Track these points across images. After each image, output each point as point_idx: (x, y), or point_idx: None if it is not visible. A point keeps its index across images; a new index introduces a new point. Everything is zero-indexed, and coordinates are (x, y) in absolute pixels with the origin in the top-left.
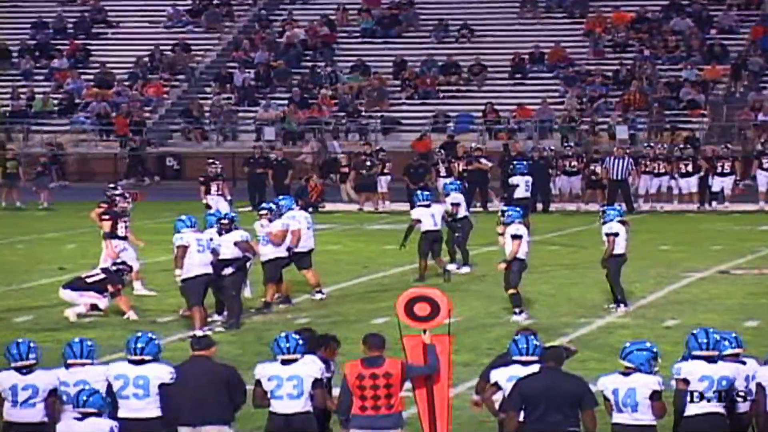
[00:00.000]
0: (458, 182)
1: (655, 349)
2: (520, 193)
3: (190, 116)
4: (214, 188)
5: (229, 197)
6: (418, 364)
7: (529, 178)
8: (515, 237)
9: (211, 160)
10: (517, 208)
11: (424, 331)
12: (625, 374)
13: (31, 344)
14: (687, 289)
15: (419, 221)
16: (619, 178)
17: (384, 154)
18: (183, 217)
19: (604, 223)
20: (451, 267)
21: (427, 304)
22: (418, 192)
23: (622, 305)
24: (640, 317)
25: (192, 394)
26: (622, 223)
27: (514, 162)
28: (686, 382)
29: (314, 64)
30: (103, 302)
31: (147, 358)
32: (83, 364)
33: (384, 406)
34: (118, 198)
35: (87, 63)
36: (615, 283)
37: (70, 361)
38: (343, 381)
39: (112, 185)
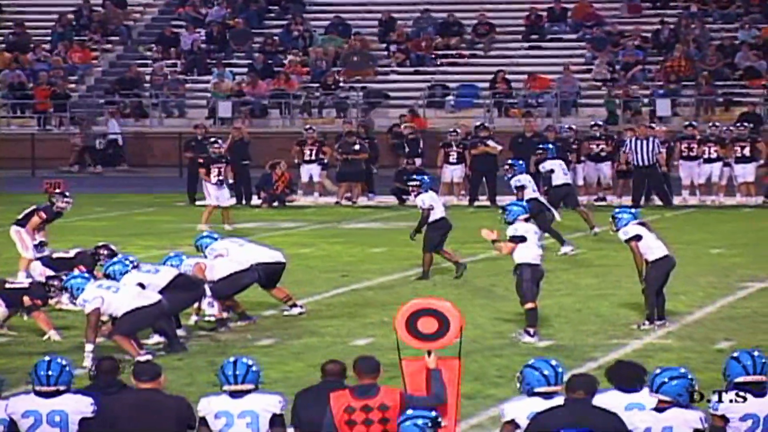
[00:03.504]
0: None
1: (690, 375)
2: (559, 178)
3: (125, 87)
4: (214, 172)
5: (230, 181)
6: (420, 394)
7: (562, 161)
8: (516, 239)
9: (213, 139)
10: (523, 203)
11: (429, 353)
12: (660, 410)
13: None
14: (744, 303)
15: (432, 208)
16: (646, 163)
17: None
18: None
19: (618, 230)
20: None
21: (434, 318)
22: (423, 176)
23: (647, 322)
24: (686, 338)
25: None
26: (642, 224)
27: (541, 145)
28: (725, 419)
29: (280, 22)
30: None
31: (61, 388)
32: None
33: None
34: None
35: None
36: (649, 294)
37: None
38: (327, 415)
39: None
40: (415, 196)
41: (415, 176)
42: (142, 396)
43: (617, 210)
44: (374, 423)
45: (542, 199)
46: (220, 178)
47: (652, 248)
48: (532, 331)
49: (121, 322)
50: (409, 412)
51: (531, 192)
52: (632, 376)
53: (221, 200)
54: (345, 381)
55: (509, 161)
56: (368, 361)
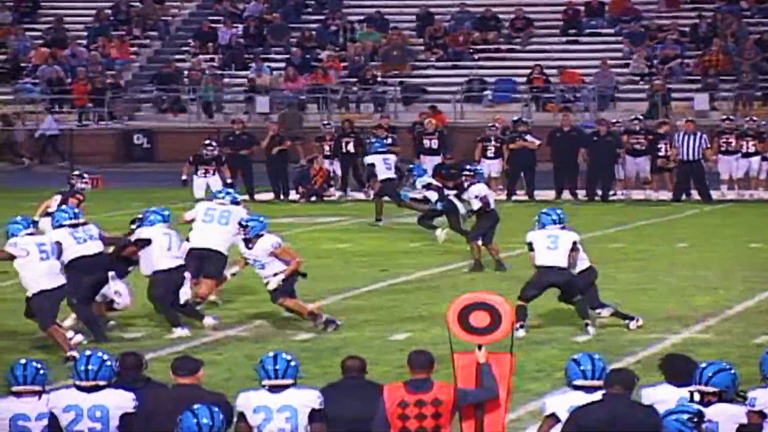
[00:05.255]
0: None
1: (734, 370)
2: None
3: (163, 83)
4: (201, 171)
5: (229, 180)
6: (470, 387)
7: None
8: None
9: (207, 141)
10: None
11: (479, 347)
12: (705, 404)
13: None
14: None
15: (487, 197)
16: (692, 158)
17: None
18: (18, 218)
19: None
20: None
21: (486, 312)
22: (475, 167)
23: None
24: (725, 333)
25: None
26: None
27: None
28: (762, 415)
29: (317, 17)
30: None
31: (101, 383)
32: (34, 393)
33: None
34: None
35: (35, 17)
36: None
37: (16, 389)
38: (380, 409)
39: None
40: (469, 185)
41: (469, 167)
42: (182, 392)
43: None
44: (427, 418)
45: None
46: (206, 177)
47: (540, 254)
48: (588, 322)
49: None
50: (672, 406)
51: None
52: (684, 370)
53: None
54: (366, 376)
55: (408, 167)
56: (422, 355)
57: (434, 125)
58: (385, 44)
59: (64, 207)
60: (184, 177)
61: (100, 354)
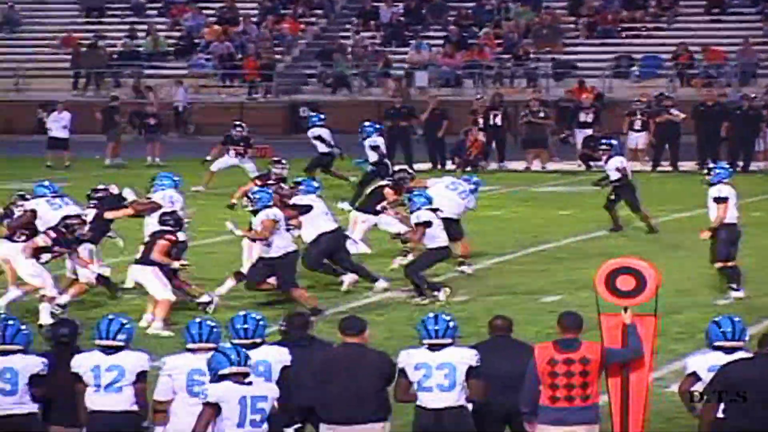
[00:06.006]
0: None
1: None
2: None
3: (328, 58)
4: (231, 152)
5: (250, 163)
6: (617, 347)
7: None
8: (719, 200)
9: (237, 123)
10: (727, 165)
11: (625, 309)
12: None
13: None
14: None
15: (625, 169)
16: None
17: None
18: (45, 182)
19: (412, 212)
20: None
21: (631, 276)
22: (611, 141)
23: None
24: None
25: (345, 388)
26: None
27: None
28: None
29: None
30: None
31: (258, 340)
32: (209, 350)
33: (579, 397)
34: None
35: None
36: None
37: (191, 346)
38: (531, 366)
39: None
40: (608, 159)
41: (604, 141)
42: (349, 350)
43: (414, 194)
44: (575, 375)
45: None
46: (236, 158)
47: (435, 237)
48: (735, 285)
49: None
50: None
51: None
52: None
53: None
54: (511, 335)
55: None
56: (572, 316)
57: (591, 100)
58: (538, 22)
59: (46, 183)
60: (209, 158)
61: (254, 315)
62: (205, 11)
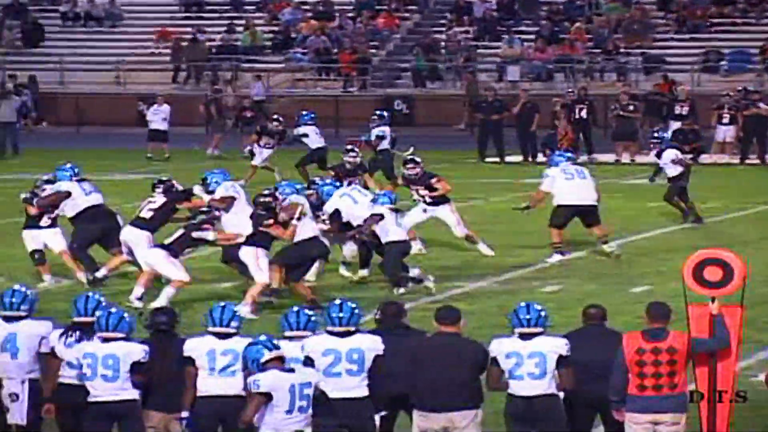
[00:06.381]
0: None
1: None
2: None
3: (423, 52)
4: (263, 141)
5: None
6: (704, 337)
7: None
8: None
9: (275, 116)
10: None
11: (713, 300)
12: None
13: (234, 311)
14: None
15: (681, 161)
16: None
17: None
18: (67, 165)
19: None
20: None
21: (719, 267)
22: (663, 135)
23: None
24: None
25: (439, 376)
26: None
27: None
28: None
29: None
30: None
31: (352, 329)
32: (302, 337)
33: (666, 386)
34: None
35: None
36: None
37: (289, 333)
38: (619, 355)
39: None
40: (658, 153)
41: (655, 134)
42: (446, 339)
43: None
44: (662, 364)
45: None
46: (268, 146)
47: (389, 231)
48: None
49: None
50: None
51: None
52: None
53: (263, 162)
54: (605, 324)
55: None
56: (660, 306)
57: (686, 93)
58: (628, 17)
59: (67, 166)
60: (248, 147)
61: (349, 303)
62: (302, 6)
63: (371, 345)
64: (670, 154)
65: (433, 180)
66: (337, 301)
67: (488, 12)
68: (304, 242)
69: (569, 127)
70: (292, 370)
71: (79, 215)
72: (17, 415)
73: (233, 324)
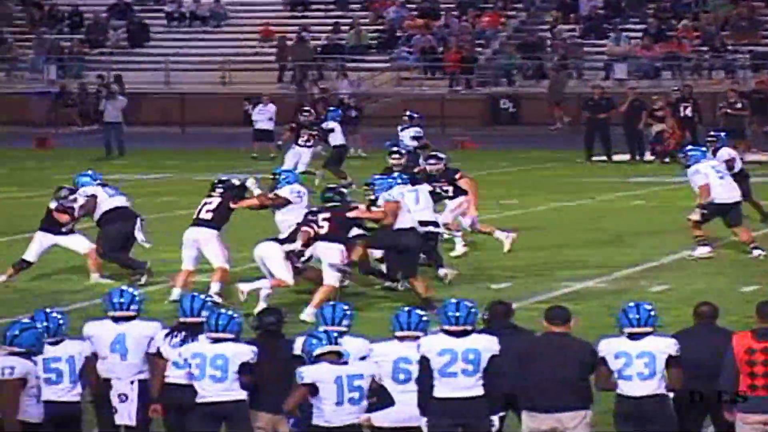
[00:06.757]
0: None
1: None
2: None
3: (528, 51)
4: (302, 139)
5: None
6: None
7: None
8: None
9: (305, 107)
10: None
11: None
12: None
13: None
14: None
15: (735, 159)
16: None
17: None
18: (89, 171)
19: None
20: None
21: None
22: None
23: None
24: None
25: (548, 375)
26: None
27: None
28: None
29: None
30: None
31: (468, 328)
32: (416, 338)
33: None
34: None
35: None
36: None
37: (399, 334)
38: (728, 355)
39: None
40: (714, 151)
41: (712, 132)
42: (556, 339)
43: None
44: None
45: None
46: (308, 143)
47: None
48: None
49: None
50: None
51: None
52: None
53: (302, 160)
54: (716, 321)
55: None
56: None
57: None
58: (736, 14)
59: (89, 172)
60: (279, 142)
61: (466, 302)
62: (407, 5)
63: (487, 345)
64: (723, 153)
65: (457, 176)
66: (454, 300)
67: (594, 10)
68: (399, 230)
69: (676, 126)
70: (345, 363)
71: (104, 216)
72: (126, 415)
73: (344, 323)
